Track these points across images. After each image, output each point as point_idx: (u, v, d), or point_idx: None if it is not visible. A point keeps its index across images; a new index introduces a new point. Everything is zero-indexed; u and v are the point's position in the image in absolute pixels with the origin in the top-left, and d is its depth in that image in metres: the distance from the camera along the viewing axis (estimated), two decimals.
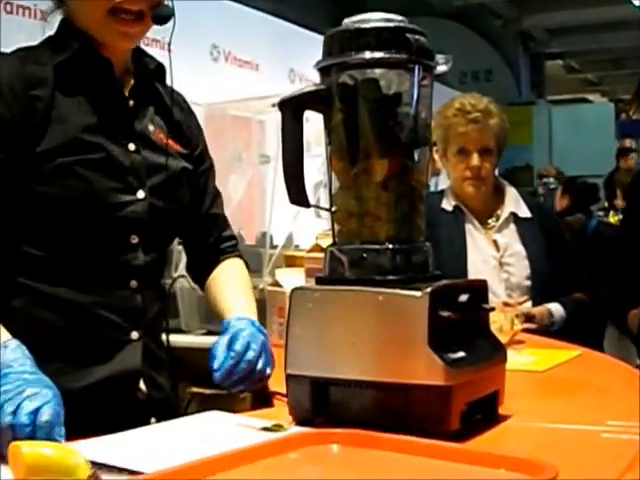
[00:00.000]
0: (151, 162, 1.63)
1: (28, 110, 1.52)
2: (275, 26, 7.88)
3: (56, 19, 1.66)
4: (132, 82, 1.67)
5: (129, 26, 1.56)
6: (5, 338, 1.37)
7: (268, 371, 1.56)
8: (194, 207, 1.75)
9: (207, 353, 1.55)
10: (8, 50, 1.62)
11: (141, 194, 1.60)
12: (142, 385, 1.62)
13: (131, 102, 1.65)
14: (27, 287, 1.55)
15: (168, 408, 1.64)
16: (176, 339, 1.93)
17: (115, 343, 1.58)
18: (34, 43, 1.64)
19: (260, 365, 1.54)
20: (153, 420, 1.58)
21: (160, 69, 1.71)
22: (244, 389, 1.58)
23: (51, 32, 1.66)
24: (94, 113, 1.57)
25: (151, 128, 1.67)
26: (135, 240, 1.60)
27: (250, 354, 1.53)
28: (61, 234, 1.54)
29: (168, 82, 1.72)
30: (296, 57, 7.60)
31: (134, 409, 1.57)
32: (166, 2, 1.61)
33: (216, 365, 1.52)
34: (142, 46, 1.72)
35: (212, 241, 1.82)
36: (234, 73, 7.16)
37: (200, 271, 1.83)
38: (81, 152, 1.53)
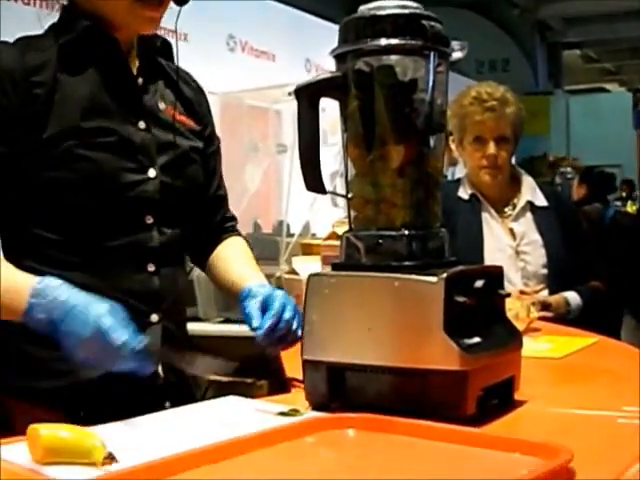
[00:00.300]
0: (161, 140, 1.63)
1: (28, 97, 1.51)
2: (291, 16, 7.89)
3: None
4: (137, 62, 1.66)
5: (155, 11, 1.57)
6: (30, 281, 1.39)
7: (299, 333, 1.56)
8: (203, 188, 1.76)
9: (224, 341, 1.54)
10: None
11: (152, 172, 1.60)
12: (159, 369, 1.59)
13: (140, 80, 1.65)
14: (42, 273, 1.53)
15: (184, 393, 1.64)
16: (194, 327, 1.94)
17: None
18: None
19: (295, 326, 1.54)
20: (167, 404, 1.57)
21: (165, 45, 1.71)
22: (282, 349, 1.57)
23: (49, 21, 1.66)
24: (102, 92, 1.57)
25: (162, 106, 1.67)
26: (150, 220, 1.59)
27: (287, 314, 1.52)
28: (75, 218, 1.54)
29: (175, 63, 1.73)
30: (312, 47, 7.61)
31: (150, 393, 1.56)
32: None
33: (256, 323, 1.50)
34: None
35: (217, 221, 1.83)
36: (251, 63, 7.18)
37: (201, 249, 1.83)
38: (89, 133, 1.52)
